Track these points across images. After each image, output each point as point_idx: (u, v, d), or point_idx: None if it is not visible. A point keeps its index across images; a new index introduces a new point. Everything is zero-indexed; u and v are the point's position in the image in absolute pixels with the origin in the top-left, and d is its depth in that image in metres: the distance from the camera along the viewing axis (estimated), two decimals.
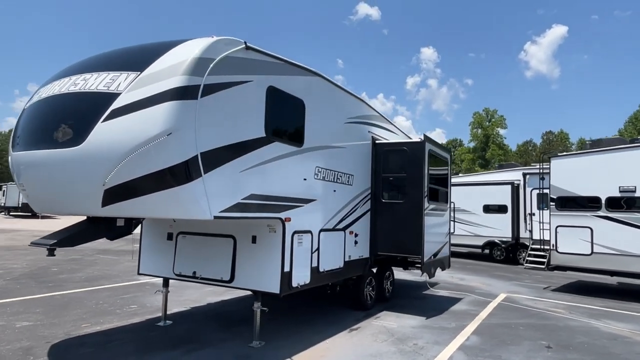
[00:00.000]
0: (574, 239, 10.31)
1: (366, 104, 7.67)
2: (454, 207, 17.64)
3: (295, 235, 5.57)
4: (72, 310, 7.09)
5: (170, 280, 6.40)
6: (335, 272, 6.57)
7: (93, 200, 3.96)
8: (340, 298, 8.02)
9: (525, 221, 16.30)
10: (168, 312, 7.13)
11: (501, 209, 16.72)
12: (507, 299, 9.25)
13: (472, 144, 65.79)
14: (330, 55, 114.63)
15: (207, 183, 4.21)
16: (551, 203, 10.82)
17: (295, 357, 5.18)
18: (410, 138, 8.99)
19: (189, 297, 8.30)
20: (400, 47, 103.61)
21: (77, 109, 4.11)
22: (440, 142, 8.49)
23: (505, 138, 63.96)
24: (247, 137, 4.75)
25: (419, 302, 8.68)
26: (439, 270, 8.98)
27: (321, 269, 6.14)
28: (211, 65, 4.27)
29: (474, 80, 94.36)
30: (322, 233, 6.17)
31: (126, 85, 4.05)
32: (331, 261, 6.41)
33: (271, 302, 8.12)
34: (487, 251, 17.61)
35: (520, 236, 16.53)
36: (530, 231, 15.49)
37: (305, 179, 5.81)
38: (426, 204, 7.50)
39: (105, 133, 3.91)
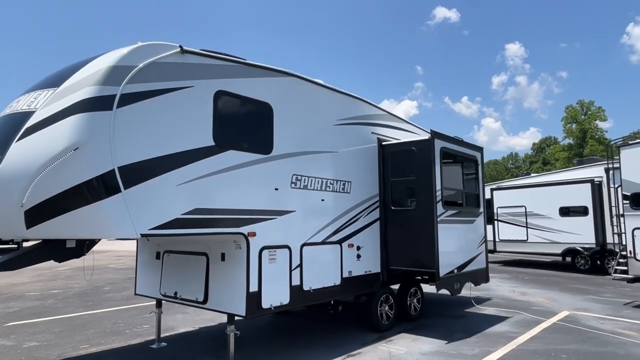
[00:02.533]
0: None
1: (366, 102, 6.97)
2: (526, 212, 15.87)
3: (265, 251, 5.07)
4: (86, 330, 7.24)
5: None
6: (329, 291, 5.92)
7: (17, 222, 3.85)
8: (355, 318, 7.30)
9: (612, 224, 13.97)
10: (175, 332, 7.07)
11: (581, 211, 14.55)
12: (567, 318, 7.78)
13: (567, 141, 59.67)
14: (409, 62, 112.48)
15: (130, 199, 3.92)
16: (624, 201, 9.04)
17: None
18: None
19: (206, 316, 8.11)
20: (482, 47, 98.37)
21: (2, 131, 4.09)
22: (454, 137, 7.41)
23: (606, 132, 56.98)
24: (187, 147, 4.41)
25: (452, 321, 7.60)
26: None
27: (306, 288, 5.54)
28: (131, 74, 4.01)
29: (569, 73, 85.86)
30: (305, 247, 5.59)
31: (42, 102, 3.95)
32: (321, 278, 5.79)
33: (279, 320, 7.72)
34: (569, 259, 15.42)
35: (608, 242, 14.22)
36: (619, 235, 13.22)
37: (277, 189, 5.30)
38: (440, 210, 6.53)
39: (18, 152, 3.81)
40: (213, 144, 4.62)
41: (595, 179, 14.43)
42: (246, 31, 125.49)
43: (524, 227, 15.93)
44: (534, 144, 73.70)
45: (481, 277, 7.71)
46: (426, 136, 6.70)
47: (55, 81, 4.09)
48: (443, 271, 6.45)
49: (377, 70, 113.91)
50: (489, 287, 11.59)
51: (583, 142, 56.23)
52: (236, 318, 5.05)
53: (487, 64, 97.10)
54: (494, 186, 17.70)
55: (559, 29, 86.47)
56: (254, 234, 4.95)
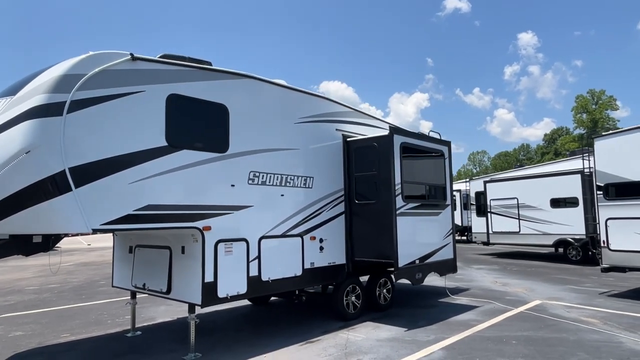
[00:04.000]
0: (629, 233, 8.58)
1: (329, 100, 7.22)
2: (518, 204, 15.96)
3: (221, 244, 5.39)
4: (71, 321, 7.67)
5: None
6: (290, 281, 6.23)
7: None
8: (325, 307, 7.60)
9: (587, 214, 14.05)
10: (153, 322, 7.47)
11: (571, 202, 14.60)
12: (536, 307, 7.96)
13: (579, 131, 58.89)
14: (419, 54, 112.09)
15: (81, 197, 4.26)
16: (598, 192, 9.14)
17: None
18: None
19: (184, 307, 8.47)
20: (494, 37, 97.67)
21: None
22: (417, 132, 7.63)
23: (618, 121, 56.00)
24: (140, 148, 4.74)
25: (421, 311, 7.84)
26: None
27: (265, 278, 5.86)
28: (81, 81, 4.34)
29: (584, 61, 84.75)
30: (264, 240, 5.90)
31: (0, 109, 4.31)
32: (281, 269, 6.09)
33: (253, 311, 8.06)
34: (561, 250, 15.51)
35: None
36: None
37: (233, 185, 5.61)
38: (400, 203, 6.77)
39: None
40: (166, 144, 4.94)
41: (586, 170, 14.43)
42: (254, 29, 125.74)
43: (516, 218, 16.04)
44: (545, 134, 73.03)
45: (448, 267, 7.93)
46: (386, 132, 6.92)
47: (13, 90, 4.44)
48: (403, 261, 6.70)
49: (387, 64, 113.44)
50: (473, 277, 11.80)
51: (594, 132, 55.48)
52: (200, 308, 5.40)
53: (499, 54, 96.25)
54: (487, 179, 17.79)
55: (573, 17, 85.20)
56: (209, 228, 5.27)
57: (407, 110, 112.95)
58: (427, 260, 7.33)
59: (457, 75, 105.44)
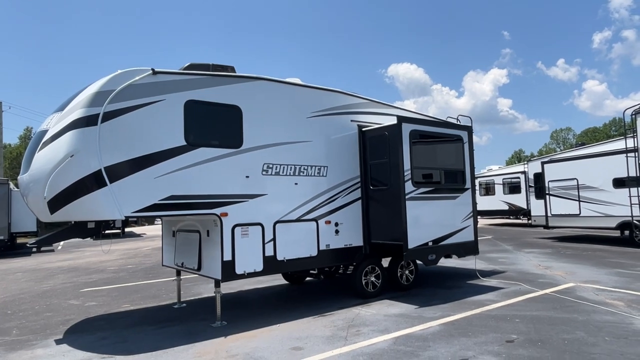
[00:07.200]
0: None
1: (343, 93, 7.66)
2: (578, 185, 15.22)
3: (238, 228, 6.19)
4: (135, 294, 9.04)
5: None
6: (305, 261, 6.90)
7: (44, 209, 5.39)
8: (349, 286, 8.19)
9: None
10: (199, 297, 8.56)
11: (637, 181, 13.62)
12: (564, 290, 7.90)
13: None
14: (494, 28, 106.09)
15: (115, 190, 5.25)
16: None
17: (231, 336, 5.81)
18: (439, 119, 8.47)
19: (231, 285, 9.48)
20: (580, 1, 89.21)
21: (33, 144, 5.65)
22: (430, 118, 7.82)
23: None
24: (162, 148, 5.64)
25: (442, 291, 8.14)
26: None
27: (280, 258, 6.58)
28: (111, 96, 5.31)
29: None
30: (278, 224, 6.61)
31: (53, 122, 5.41)
32: (296, 250, 6.77)
33: (289, 289, 8.86)
34: (627, 234, 14.57)
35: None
36: None
37: (247, 177, 6.36)
38: (410, 188, 7.11)
39: (39, 160, 5.32)
40: (185, 143, 5.81)
41: None
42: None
43: (576, 200, 15.31)
44: None
45: (467, 249, 8.10)
46: (394, 121, 7.26)
47: (62, 106, 5.54)
48: (413, 243, 7.06)
49: (459, 41, 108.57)
50: (516, 261, 11.67)
51: None
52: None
53: (587, 20, 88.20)
54: (545, 159, 17.04)
55: None
56: (226, 214, 6.09)
57: (483, 88, 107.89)
58: (442, 242, 7.61)
59: (537, 47, 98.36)
